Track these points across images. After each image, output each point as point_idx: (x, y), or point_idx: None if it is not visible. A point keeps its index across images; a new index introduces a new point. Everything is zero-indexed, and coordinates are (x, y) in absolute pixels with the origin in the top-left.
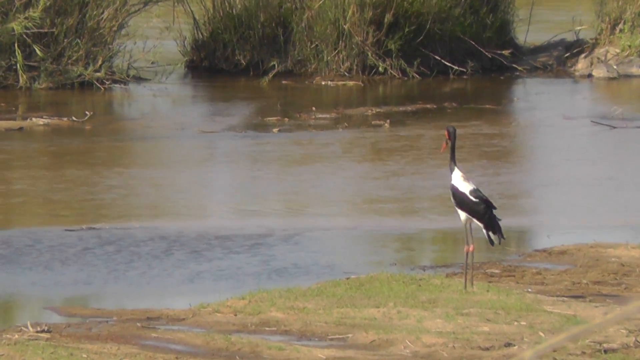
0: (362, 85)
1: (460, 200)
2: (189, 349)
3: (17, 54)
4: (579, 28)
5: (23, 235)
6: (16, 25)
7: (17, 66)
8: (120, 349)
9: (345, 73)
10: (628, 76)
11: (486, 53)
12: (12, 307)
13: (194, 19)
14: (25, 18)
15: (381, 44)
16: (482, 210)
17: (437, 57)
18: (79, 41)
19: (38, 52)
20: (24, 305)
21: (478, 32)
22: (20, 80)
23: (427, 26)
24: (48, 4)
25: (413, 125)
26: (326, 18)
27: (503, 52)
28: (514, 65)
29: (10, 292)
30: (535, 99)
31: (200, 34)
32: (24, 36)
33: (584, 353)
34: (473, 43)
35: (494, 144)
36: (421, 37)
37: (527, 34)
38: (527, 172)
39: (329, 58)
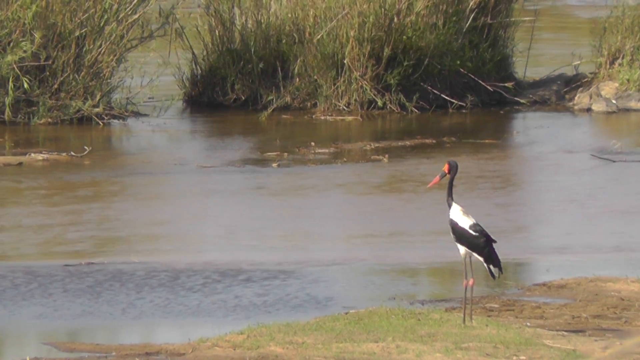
0: (361, 119)
1: (460, 234)
2: None
3: (9, 87)
4: (578, 62)
5: (21, 271)
6: (10, 56)
7: (14, 101)
8: None
9: (344, 108)
10: (627, 110)
11: (488, 87)
12: (10, 343)
13: (193, 53)
14: (23, 50)
15: (380, 78)
16: (482, 244)
17: (436, 92)
18: (76, 76)
19: (26, 85)
20: (22, 341)
21: (477, 67)
22: (6, 115)
23: (426, 61)
24: (45, 39)
25: (412, 159)
26: (325, 53)
27: (506, 84)
28: (517, 99)
29: (9, 327)
30: (535, 133)
31: (198, 68)
32: (16, 69)
33: None
34: (473, 77)
35: (493, 178)
36: (420, 72)
37: (526, 69)
38: (525, 206)
39: (327, 93)
